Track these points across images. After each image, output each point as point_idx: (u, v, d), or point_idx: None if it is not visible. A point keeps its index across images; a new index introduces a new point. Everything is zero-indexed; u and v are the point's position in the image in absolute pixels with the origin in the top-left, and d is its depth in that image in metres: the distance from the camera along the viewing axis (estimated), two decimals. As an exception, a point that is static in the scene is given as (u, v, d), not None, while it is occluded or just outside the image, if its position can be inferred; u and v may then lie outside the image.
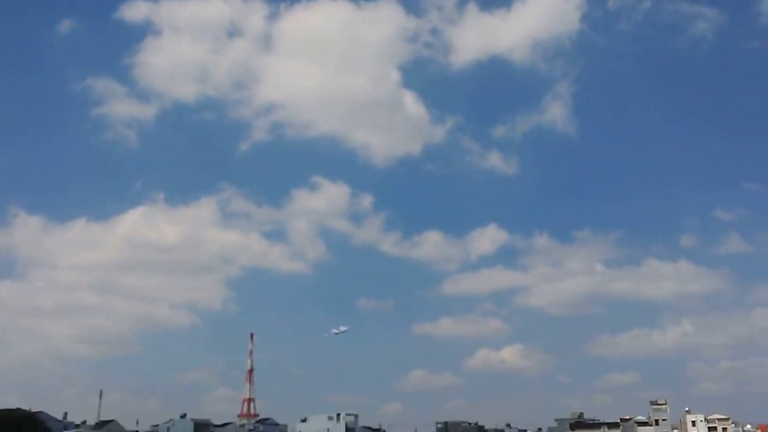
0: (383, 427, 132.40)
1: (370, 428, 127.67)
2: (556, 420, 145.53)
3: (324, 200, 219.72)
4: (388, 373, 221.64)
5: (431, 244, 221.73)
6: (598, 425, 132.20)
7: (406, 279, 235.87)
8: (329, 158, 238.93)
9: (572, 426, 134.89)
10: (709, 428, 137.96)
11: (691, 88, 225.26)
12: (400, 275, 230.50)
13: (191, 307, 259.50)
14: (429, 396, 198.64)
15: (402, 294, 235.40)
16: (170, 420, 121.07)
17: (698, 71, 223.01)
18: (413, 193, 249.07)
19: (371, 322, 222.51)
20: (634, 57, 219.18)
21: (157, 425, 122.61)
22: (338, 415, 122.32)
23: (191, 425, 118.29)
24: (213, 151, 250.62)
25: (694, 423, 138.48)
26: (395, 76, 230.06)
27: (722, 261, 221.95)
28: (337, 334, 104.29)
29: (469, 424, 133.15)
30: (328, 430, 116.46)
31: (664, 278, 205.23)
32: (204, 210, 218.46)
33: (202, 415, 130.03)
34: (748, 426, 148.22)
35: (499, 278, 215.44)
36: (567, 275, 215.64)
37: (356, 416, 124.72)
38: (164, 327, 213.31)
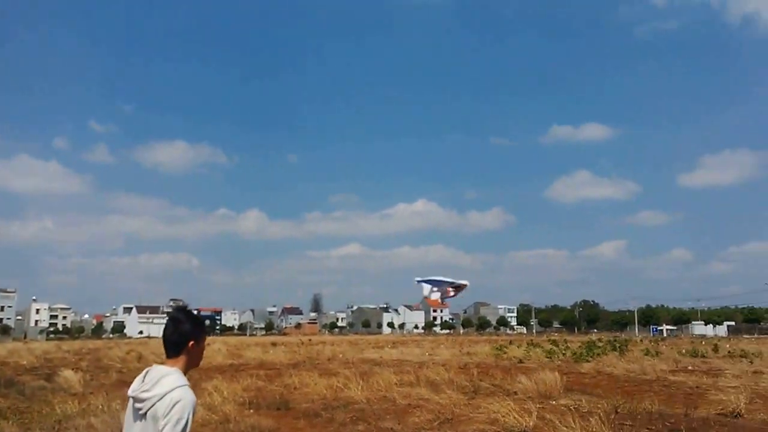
0: None
1: None
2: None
3: None
4: None
5: None
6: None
7: None
8: None
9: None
10: (51, 316, 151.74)
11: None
12: None
13: None
14: None
15: None
16: None
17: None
18: None
19: None
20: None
21: None
22: None
23: None
24: None
25: (38, 311, 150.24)
26: None
27: (89, 168, 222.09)
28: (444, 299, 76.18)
29: None
30: None
31: (33, 174, 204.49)
32: None
33: None
34: (86, 315, 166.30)
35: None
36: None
37: None
38: None
